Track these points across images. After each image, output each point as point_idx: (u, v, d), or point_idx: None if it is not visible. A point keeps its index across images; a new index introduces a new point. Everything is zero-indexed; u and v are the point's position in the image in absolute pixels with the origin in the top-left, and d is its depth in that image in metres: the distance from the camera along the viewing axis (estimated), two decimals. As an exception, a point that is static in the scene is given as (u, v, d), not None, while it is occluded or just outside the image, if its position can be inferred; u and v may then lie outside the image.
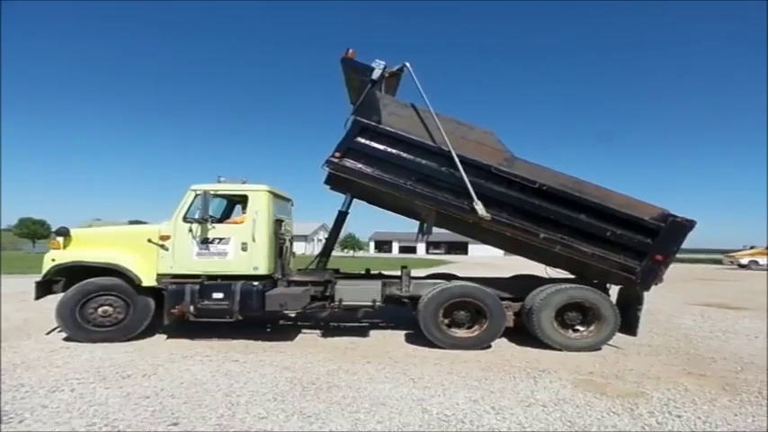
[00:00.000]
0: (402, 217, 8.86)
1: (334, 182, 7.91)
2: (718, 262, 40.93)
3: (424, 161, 7.27)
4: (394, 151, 7.26)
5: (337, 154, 7.29)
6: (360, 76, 7.41)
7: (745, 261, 35.04)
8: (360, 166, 7.30)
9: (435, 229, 8.70)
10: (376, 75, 7.29)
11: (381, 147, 7.27)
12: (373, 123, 7.25)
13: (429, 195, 7.27)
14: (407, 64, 7.47)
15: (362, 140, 7.28)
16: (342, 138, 7.34)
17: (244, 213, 7.79)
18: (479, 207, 7.05)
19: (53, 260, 7.44)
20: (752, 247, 37.30)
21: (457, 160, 7.07)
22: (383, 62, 7.33)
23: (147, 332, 7.60)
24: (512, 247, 8.41)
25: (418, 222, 9.11)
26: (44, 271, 7.46)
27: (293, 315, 9.19)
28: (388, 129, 7.26)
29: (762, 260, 34.00)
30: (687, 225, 7.22)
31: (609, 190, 7.31)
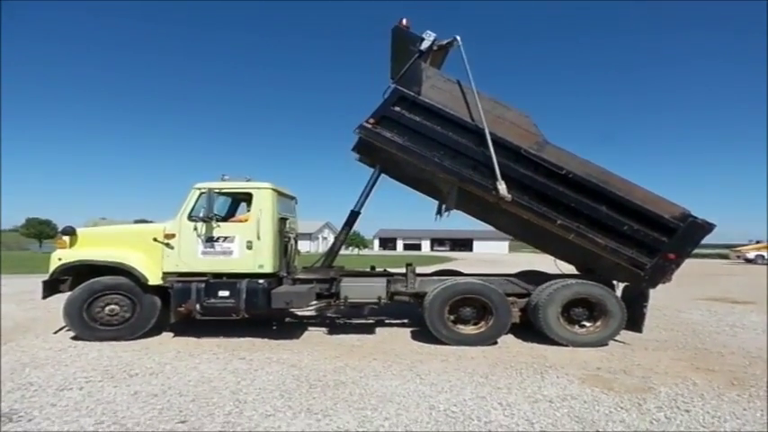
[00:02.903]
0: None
1: (362, 149, 7.93)
2: (725, 257, 40.70)
3: (455, 136, 7.27)
4: (428, 124, 7.27)
5: (371, 120, 7.31)
6: (408, 45, 7.37)
7: (751, 255, 34.79)
8: (392, 134, 7.31)
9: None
10: (425, 45, 7.28)
11: (417, 118, 7.28)
12: (412, 94, 7.25)
13: (455, 170, 7.27)
14: (458, 38, 7.40)
15: (399, 110, 7.29)
16: (378, 105, 7.35)
17: (248, 211, 7.79)
18: (502, 187, 7.02)
19: (60, 259, 7.48)
20: (758, 242, 37.08)
21: (489, 138, 7.06)
22: (434, 34, 7.32)
23: (154, 331, 7.63)
24: (523, 232, 8.43)
25: (435, 205, 9.16)
26: (51, 270, 7.49)
27: (301, 313, 9.19)
28: (425, 100, 7.26)
29: (768, 255, 33.77)
30: (706, 227, 7.20)
31: (633, 184, 7.27)
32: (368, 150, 7.89)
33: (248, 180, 7.87)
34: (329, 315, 9.46)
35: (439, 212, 9.16)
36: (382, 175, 8.35)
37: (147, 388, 5.23)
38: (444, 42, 7.50)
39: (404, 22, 7.41)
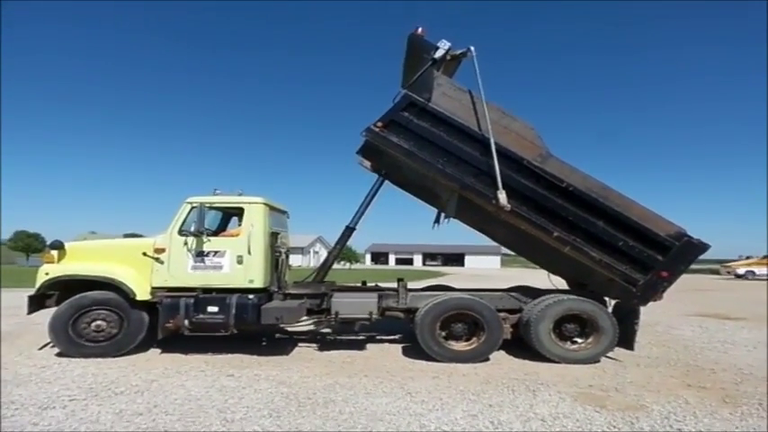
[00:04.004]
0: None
1: (367, 152, 7.98)
2: (716, 272, 40.92)
3: (461, 144, 7.29)
4: (435, 130, 7.30)
5: (379, 124, 7.33)
6: (422, 53, 7.43)
7: (741, 271, 35.01)
8: (398, 139, 7.33)
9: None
10: (438, 54, 7.34)
11: (424, 124, 7.31)
12: (422, 100, 7.29)
13: (457, 177, 7.29)
14: (472, 48, 7.46)
15: (407, 115, 7.32)
16: (387, 109, 7.39)
17: (239, 226, 7.74)
18: (502, 196, 7.02)
19: (47, 274, 7.36)
20: (748, 257, 37.32)
21: (493, 148, 7.08)
22: (449, 43, 7.39)
23: (141, 347, 7.50)
24: (519, 244, 8.45)
25: (430, 218, 9.30)
26: (37, 285, 7.37)
27: (291, 328, 9.10)
28: (435, 107, 7.30)
29: (758, 270, 34.00)
30: (701, 247, 7.22)
31: (631, 200, 7.29)
32: (372, 154, 7.94)
33: (240, 194, 7.84)
34: (320, 331, 9.36)
35: (437, 221, 9.22)
36: (379, 190, 8.35)
37: (133, 406, 5.12)
38: (458, 52, 7.57)
39: (419, 30, 7.49)
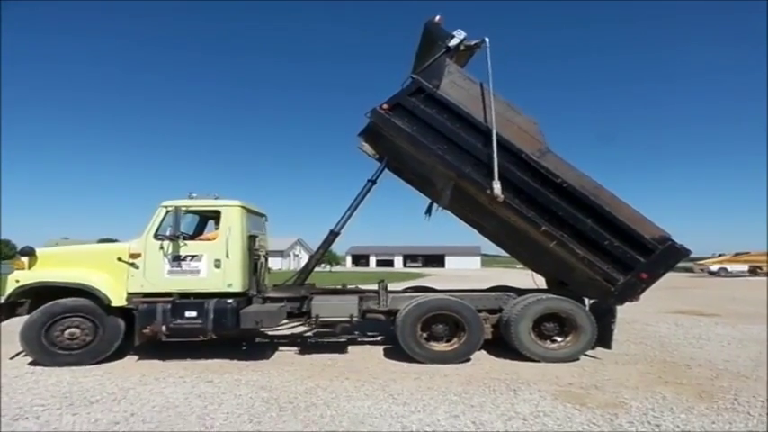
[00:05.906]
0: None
1: (368, 134, 8.05)
2: (689, 270, 41.76)
3: (463, 134, 7.33)
4: (439, 118, 7.34)
5: (385, 106, 7.36)
6: (437, 41, 7.45)
7: (714, 268, 35.81)
8: (402, 123, 7.36)
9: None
10: (453, 43, 7.37)
11: (430, 110, 7.34)
12: (431, 87, 7.31)
13: (456, 165, 7.32)
14: (486, 39, 7.50)
15: (414, 100, 7.35)
16: (395, 93, 7.42)
17: (216, 229, 7.64)
18: (497, 186, 7.07)
19: (17, 281, 7.16)
20: (720, 255, 38.24)
21: (494, 140, 7.14)
22: (464, 33, 7.42)
23: (117, 354, 7.34)
24: (506, 238, 8.55)
25: (425, 205, 9.34)
26: (8, 292, 7.16)
27: (272, 332, 9.01)
28: (442, 95, 7.32)
29: (731, 267, 34.86)
30: (682, 252, 7.36)
31: (621, 202, 7.38)
32: (373, 136, 8.01)
33: (216, 198, 7.73)
34: (301, 334, 9.29)
35: (428, 212, 9.28)
36: (366, 196, 8.38)
37: (109, 415, 5.01)
38: (472, 43, 7.60)
39: (437, 18, 7.53)
